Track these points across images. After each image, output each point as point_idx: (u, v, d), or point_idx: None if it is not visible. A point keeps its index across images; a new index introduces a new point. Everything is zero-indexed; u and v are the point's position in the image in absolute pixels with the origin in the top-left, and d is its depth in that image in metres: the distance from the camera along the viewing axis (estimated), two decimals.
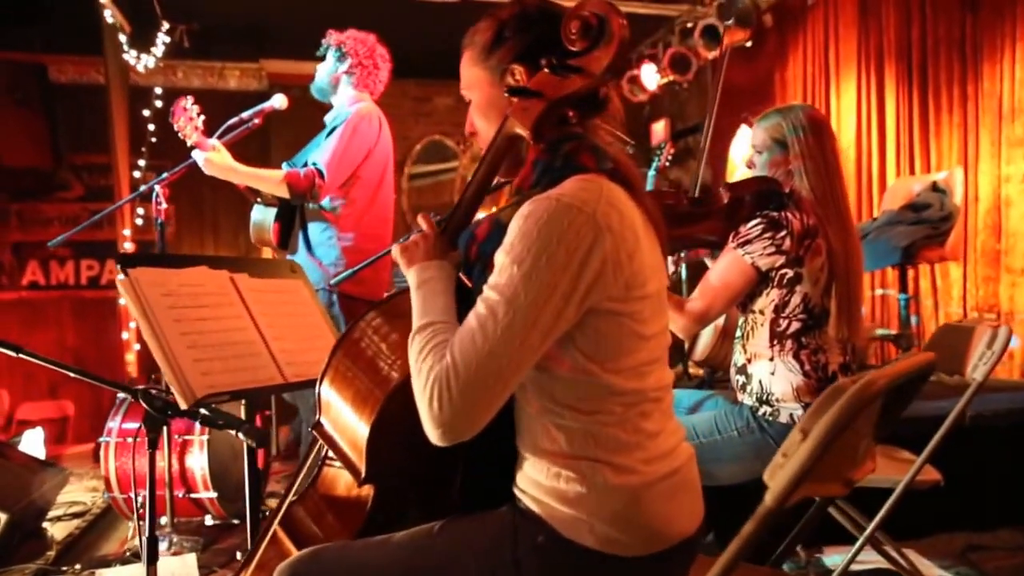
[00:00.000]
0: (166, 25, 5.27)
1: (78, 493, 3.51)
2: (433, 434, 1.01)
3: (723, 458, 2.02)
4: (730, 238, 2.01)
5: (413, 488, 1.28)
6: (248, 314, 1.73)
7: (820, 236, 1.97)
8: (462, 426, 1.00)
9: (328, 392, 1.23)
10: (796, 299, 1.98)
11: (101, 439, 2.86)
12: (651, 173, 3.84)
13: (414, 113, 7.85)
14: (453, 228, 1.21)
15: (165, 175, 2.81)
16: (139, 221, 5.30)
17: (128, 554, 2.55)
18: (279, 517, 1.34)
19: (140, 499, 2.81)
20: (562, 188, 1.05)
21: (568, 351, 1.06)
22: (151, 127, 5.30)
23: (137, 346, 5.13)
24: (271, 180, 2.79)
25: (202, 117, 2.66)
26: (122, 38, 5.03)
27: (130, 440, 2.83)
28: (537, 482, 1.10)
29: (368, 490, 1.25)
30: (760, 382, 2.00)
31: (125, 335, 5.21)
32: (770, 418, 1.96)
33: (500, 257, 1.03)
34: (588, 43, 1.08)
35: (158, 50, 5.13)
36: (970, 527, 2.78)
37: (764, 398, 1.98)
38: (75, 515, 3.17)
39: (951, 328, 2.18)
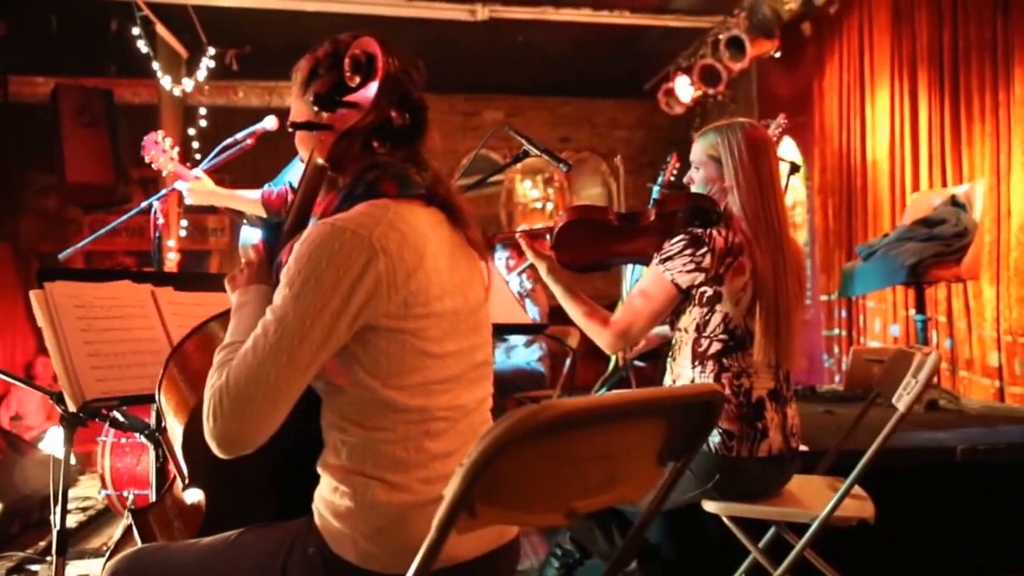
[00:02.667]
0: (212, 50, 5.58)
1: (94, 489, 3.73)
2: (211, 447, 1.05)
3: None
4: (655, 254, 1.98)
5: (247, 494, 1.32)
6: (162, 326, 1.82)
7: (745, 255, 1.90)
8: (235, 440, 1.04)
9: (160, 399, 1.30)
10: (716, 319, 1.92)
11: (99, 439, 3.04)
12: (655, 189, 3.78)
13: (462, 127, 7.98)
14: (275, 255, 1.26)
15: (163, 192, 2.99)
16: (183, 232, 5.59)
17: (106, 548, 2.70)
18: (132, 521, 1.41)
19: (131, 497, 2.99)
20: (346, 213, 1.11)
21: (351, 367, 1.10)
22: (195, 144, 5.60)
23: None
24: (249, 201, 2.91)
25: (176, 148, 2.81)
26: (156, 65, 5.34)
27: (124, 441, 3.00)
28: (322, 495, 1.14)
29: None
30: None
31: None
32: None
33: (280, 279, 1.09)
34: (360, 79, 1.15)
35: (201, 73, 5.42)
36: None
37: None
38: (83, 509, 3.37)
39: (903, 353, 2.07)
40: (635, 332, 1.99)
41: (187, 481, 1.25)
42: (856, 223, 4.80)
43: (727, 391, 1.89)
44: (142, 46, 5.08)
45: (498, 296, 2.69)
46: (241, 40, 5.69)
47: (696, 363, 1.94)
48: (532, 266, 2.14)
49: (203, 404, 1.07)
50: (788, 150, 5.82)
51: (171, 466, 1.38)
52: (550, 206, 8.18)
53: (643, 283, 1.98)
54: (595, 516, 2.10)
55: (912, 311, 4.26)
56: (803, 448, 2.50)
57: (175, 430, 1.26)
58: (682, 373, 1.97)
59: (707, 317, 1.93)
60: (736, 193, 1.96)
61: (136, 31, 4.95)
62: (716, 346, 1.92)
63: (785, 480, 2.00)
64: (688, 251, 1.90)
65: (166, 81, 5.35)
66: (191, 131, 5.61)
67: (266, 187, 3.02)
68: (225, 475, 1.25)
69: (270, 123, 3.11)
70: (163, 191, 3.01)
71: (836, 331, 4.95)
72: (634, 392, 0.96)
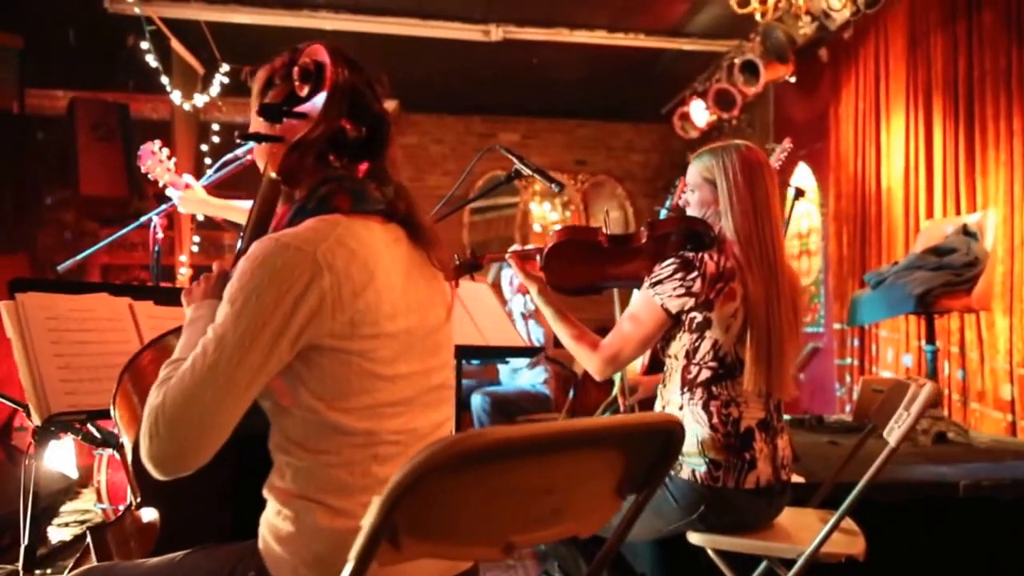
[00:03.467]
0: (225, 67, 5.63)
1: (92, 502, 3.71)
2: (148, 469, 1.01)
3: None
4: (645, 277, 1.93)
5: (200, 513, 1.29)
6: (139, 340, 1.80)
7: (736, 280, 1.84)
8: (172, 462, 1.00)
9: (114, 413, 1.27)
10: (706, 345, 1.86)
11: (95, 452, 3.02)
12: (662, 212, 3.74)
13: (478, 148, 7.98)
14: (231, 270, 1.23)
15: (162, 208, 2.99)
16: (195, 248, 5.62)
17: None
18: (90, 538, 1.38)
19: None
20: (293, 228, 1.08)
21: (295, 387, 1.06)
22: (207, 160, 5.64)
23: None
24: (241, 211, 2.91)
25: (173, 160, 2.82)
26: (165, 79, 5.40)
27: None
28: (266, 518, 1.11)
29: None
30: None
31: None
32: (672, 473, 1.85)
33: (223, 296, 1.05)
34: (309, 88, 1.12)
35: (214, 89, 5.48)
36: None
37: None
38: (81, 523, 3.35)
39: (900, 384, 2.00)
40: (624, 357, 1.93)
41: (138, 499, 1.22)
42: (870, 251, 4.72)
43: (715, 420, 1.83)
44: (151, 60, 5.14)
45: (492, 318, 2.66)
46: (256, 57, 5.73)
47: (685, 390, 1.88)
48: None
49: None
50: (803, 176, 5.76)
51: None
52: None
53: (633, 307, 1.93)
54: (578, 543, 2.04)
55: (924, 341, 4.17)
56: (798, 479, 2.43)
57: (127, 446, 1.23)
58: (671, 400, 1.91)
59: (696, 344, 1.87)
60: (729, 216, 1.91)
61: (145, 45, 5.01)
62: (705, 373, 1.86)
63: (775, 513, 1.93)
64: (679, 275, 1.85)
65: (176, 96, 5.41)
66: (204, 147, 5.65)
67: None
68: (176, 494, 1.22)
69: None
70: (162, 206, 3.01)
71: (848, 360, 4.85)
72: (578, 422, 0.91)
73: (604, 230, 2.05)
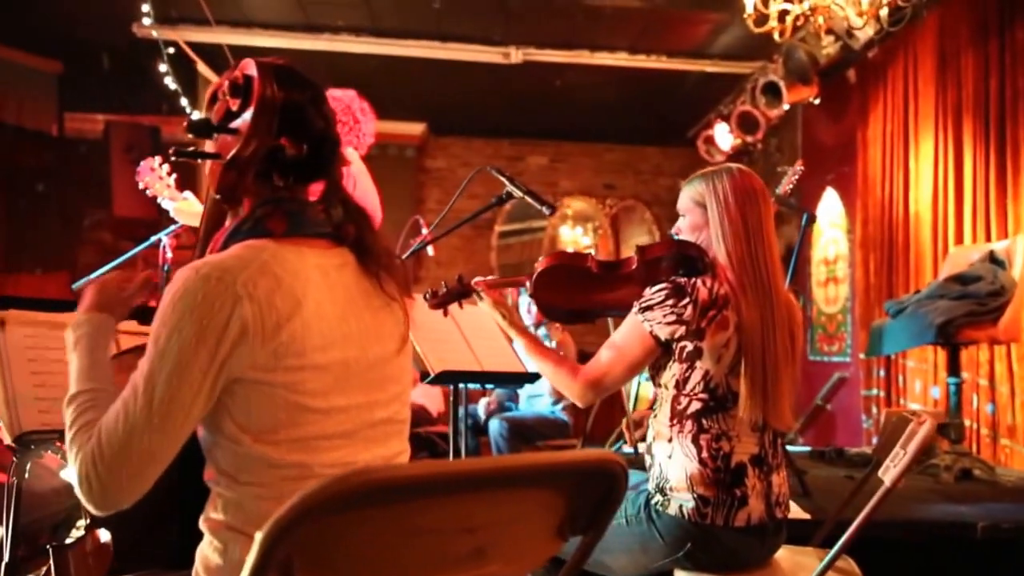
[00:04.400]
0: None
1: None
2: (89, 508, 1.02)
3: (612, 548, 1.84)
4: (635, 302, 1.87)
5: (149, 536, 1.27)
6: None
7: (730, 308, 1.78)
8: (113, 502, 1.01)
9: None
10: (696, 376, 1.79)
11: None
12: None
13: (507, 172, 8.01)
14: None
15: (172, 228, 3.03)
16: None
17: None
18: (52, 558, 1.37)
19: None
20: (216, 256, 1.06)
21: (222, 419, 1.04)
22: None
23: None
24: None
25: (173, 176, 2.85)
26: (184, 101, 5.51)
27: None
28: (200, 548, 1.09)
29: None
30: (660, 465, 1.82)
31: None
32: (660, 508, 1.77)
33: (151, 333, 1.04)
34: (240, 103, 1.10)
35: None
36: None
37: (660, 484, 1.80)
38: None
39: (901, 419, 1.90)
40: (609, 383, 1.87)
41: (87, 521, 1.21)
42: (897, 279, 4.57)
43: (704, 454, 1.75)
44: (170, 83, 5.26)
45: (491, 343, 2.61)
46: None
47: (675, 421, 1.81)
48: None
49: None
50: (830, 202, 5.63)
51: None
52: (594, 253, 8.10)
53: (621, 332, 1.87)
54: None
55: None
56: (803, 516, 2.33)
57: None
58: (661, 432, 1.84)
59: (687, 374, 1.80)
60: (722, 241, 1.85)
61: (164, 68, 5.12)
62: (696, 405, 1.79)
63: (768, 552, 1.84)
64: (670, 301, 1.78)
65: (196, 116, 5.54)
66: None
67: None
68: (124, 517, 1.20)
69: None
70: (171, 227, 3.06)
71: (874, 391, 4.69)
72: (493, 460, 0.87)
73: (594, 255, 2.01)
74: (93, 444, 0.99)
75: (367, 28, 5.53)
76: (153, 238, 3.09)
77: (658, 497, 1.78)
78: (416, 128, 7.70)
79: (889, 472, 1.61)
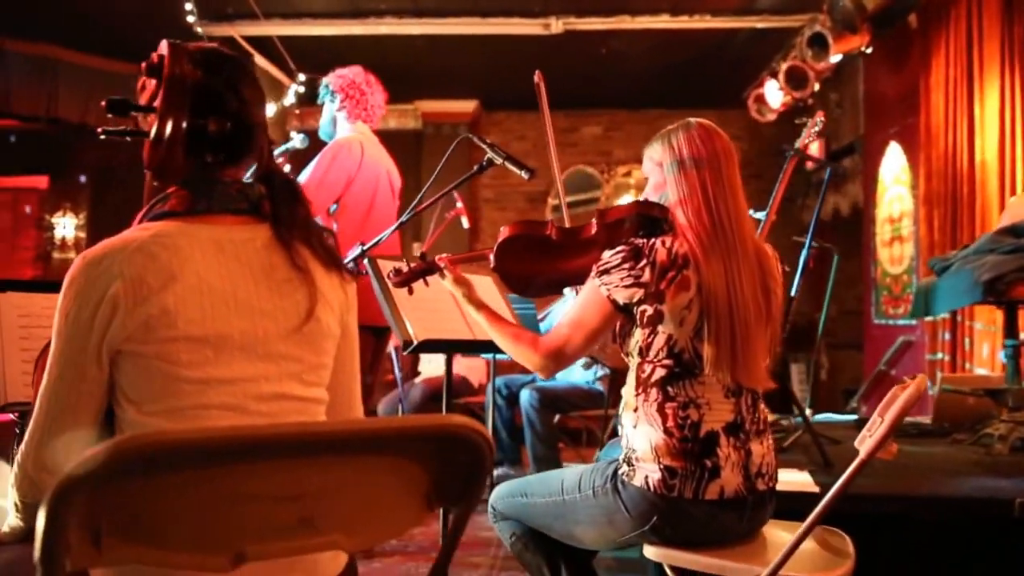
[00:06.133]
0: (302, 76, 5.86)
1: None
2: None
3: (580, 520, 1.79)
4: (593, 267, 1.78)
5: None
6: None
7: (690, 268, 1.67)
8: (41, 479, 1.07)
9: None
10: (660, 341, 1.70)
11: None
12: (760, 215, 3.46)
13: (560, 144, 7.84)
14: None
15: None
16: None
17: None
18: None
19: None
20: (109, 239, 1.10)
21: (117, 392, 1.10)
22: (287, 168, 5.87)
23: None
24: None
25: None
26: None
27: None
28: None
29: None
30: (627, 436, 1.74)
31: None
32: (625, 479, 1.70)
33: None
34: (156, 83, 1.15)
35: (288, 99, 5.71)
36: None
37: (627, 455, 1.73)
38: None
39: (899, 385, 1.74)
40: (570, 352, 1.80)
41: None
42: (962, 234, 4.24)
43: (670, 423, 1.67)
44: None
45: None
46: (329, 67, 5.96)
47: (640, 390, 1.73)
48: None
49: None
50: (894, 157, 5.27)
51: None
52: None
53: (580, 299, 1.80)
54: (542, 550, 1.92)
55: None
56: (812, 490, 2.19)
57: None
58: (628, 401, 1.76)
59: (650, 339, 1.72)
60: (679, 198, 1.75)
61: None
62: (660, 372, 1.70)
63: (750, 527, 1.74)
64: (627, 264, 1.70)
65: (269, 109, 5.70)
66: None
67: None
68: None
69: (300, 142, 3.18)
70: None
71: (939, 355, 4.38)
72: (324, 424, 0.83)
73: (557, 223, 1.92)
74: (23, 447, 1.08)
75: (409, 9, 5.54)
76: None
77: (624, 467, 1.71)
78: (468, 106, 7.69)
79: (865, 443, 1.48)
